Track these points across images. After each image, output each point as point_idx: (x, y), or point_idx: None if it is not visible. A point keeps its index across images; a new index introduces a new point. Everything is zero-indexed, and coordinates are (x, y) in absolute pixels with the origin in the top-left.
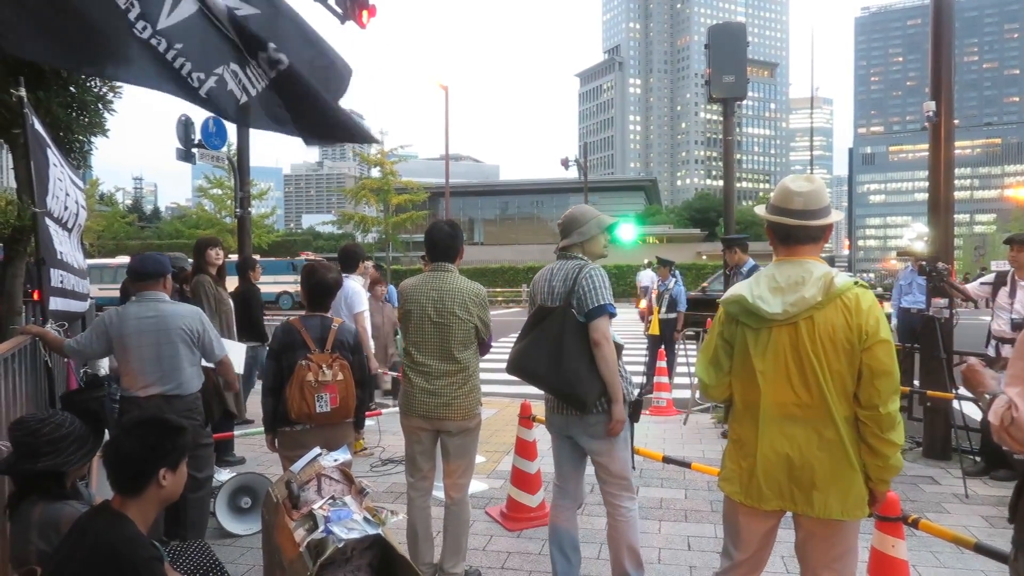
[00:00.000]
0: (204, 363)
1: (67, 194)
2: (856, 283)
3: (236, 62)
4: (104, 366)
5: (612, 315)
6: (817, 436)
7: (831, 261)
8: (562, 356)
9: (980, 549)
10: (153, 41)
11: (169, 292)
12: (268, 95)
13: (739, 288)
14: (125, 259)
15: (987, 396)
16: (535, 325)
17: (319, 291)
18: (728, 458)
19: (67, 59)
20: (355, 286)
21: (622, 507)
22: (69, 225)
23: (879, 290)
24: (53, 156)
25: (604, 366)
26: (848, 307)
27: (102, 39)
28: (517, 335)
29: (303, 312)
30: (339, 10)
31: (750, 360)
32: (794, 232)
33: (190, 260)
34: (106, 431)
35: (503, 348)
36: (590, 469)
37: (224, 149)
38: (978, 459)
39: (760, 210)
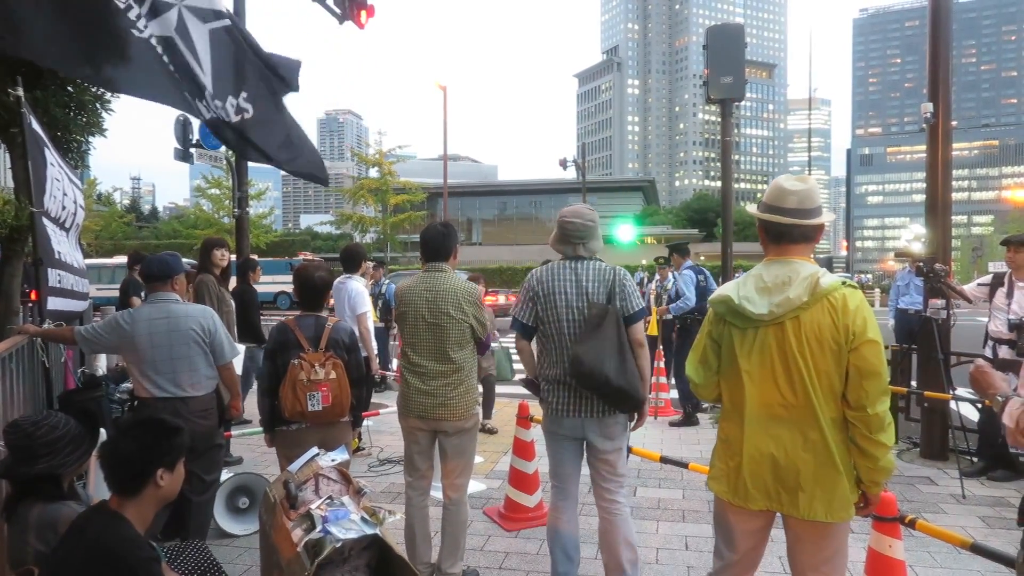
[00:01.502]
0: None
1: (65, 194)
2: (844, 283)
3: (189, 91)
4: (102, 366)
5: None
6: (802, 437)
7: (829, 261)
8: (625, 357)
9: (977, 549)
10: (153, 40)
11: (182, 293)
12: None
13: (726, 288)
14: (123, 259)
15: (999, 398)
16: (598, 326)
17: (308, 291)
18: (716, 457)
19: (66, 62)
20: (358, 287)
21: (620, 502)
22: (67, 225)
23: (876, 291)
24: (51, 156)
25: (645, 367)
26: (835, 307)
27: (101, 41)
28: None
29: (299, 312)
30: (337, 10)
31: (736, 359)
32: (788, 231)
33: (185, 260)
34: (102, 431)
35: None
36: (585, 470)
37: (222, 149)
38: (975, 460)
39: (753, 209)
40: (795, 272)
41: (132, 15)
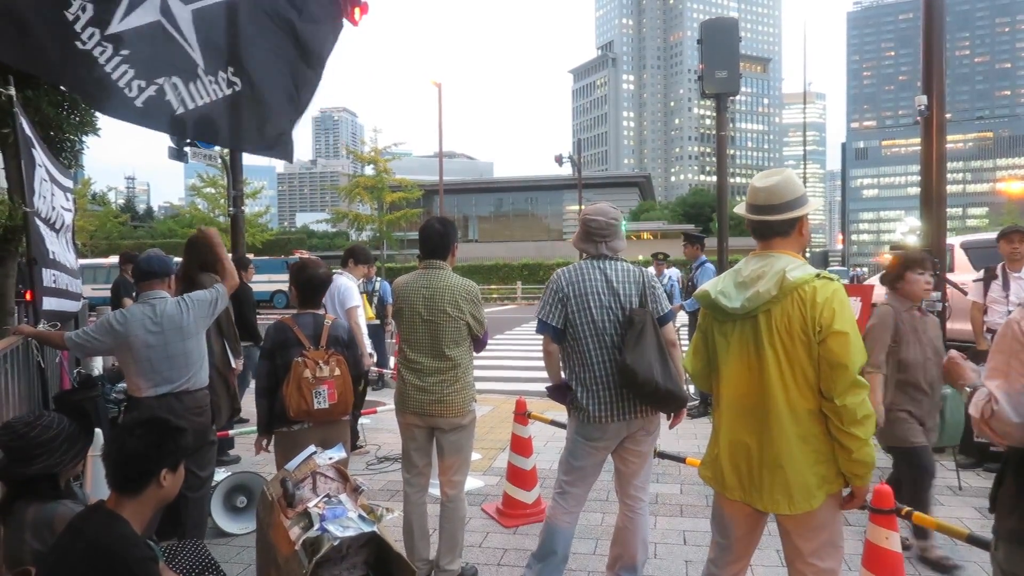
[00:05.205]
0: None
1: (52, 194)
2: (818, 275)
3: (180, 75)
4: (98, 366)
5: None
6: (771, 428)
7: (825, 255)
8: (667, 360)
9: (973, 540)
10: (96, 51)
11: (173, 292)
12: (211, 108)
13: (707, 283)
14: (117, 259)
15: (967, 389)
16: (641, 332)
17: (310, 287)
18: (710, 444)
19: (33, 64)
20: (346, 282)
21: (644, 500)
22: (57, 226)
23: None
24: (38, 156)
25: (680, 365)
26: (803, 300)
27: (43, 46)
28: (512, 333)
29: (295, 310)
30: None
31: (717, 352)
32: (757, 227)
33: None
34: (98, 430)
35: (498, 345)
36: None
37: (216, 148)
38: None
39: (739, 208)
40: (769, 266)
41: (81, 23)
